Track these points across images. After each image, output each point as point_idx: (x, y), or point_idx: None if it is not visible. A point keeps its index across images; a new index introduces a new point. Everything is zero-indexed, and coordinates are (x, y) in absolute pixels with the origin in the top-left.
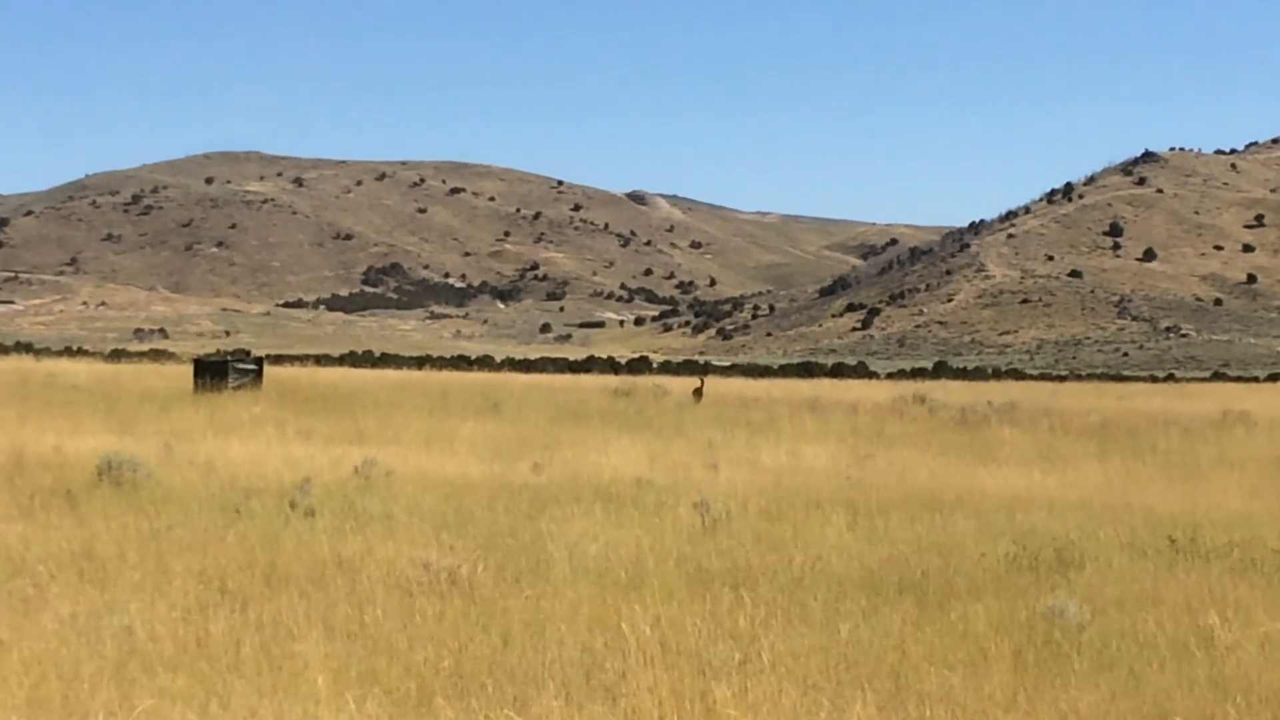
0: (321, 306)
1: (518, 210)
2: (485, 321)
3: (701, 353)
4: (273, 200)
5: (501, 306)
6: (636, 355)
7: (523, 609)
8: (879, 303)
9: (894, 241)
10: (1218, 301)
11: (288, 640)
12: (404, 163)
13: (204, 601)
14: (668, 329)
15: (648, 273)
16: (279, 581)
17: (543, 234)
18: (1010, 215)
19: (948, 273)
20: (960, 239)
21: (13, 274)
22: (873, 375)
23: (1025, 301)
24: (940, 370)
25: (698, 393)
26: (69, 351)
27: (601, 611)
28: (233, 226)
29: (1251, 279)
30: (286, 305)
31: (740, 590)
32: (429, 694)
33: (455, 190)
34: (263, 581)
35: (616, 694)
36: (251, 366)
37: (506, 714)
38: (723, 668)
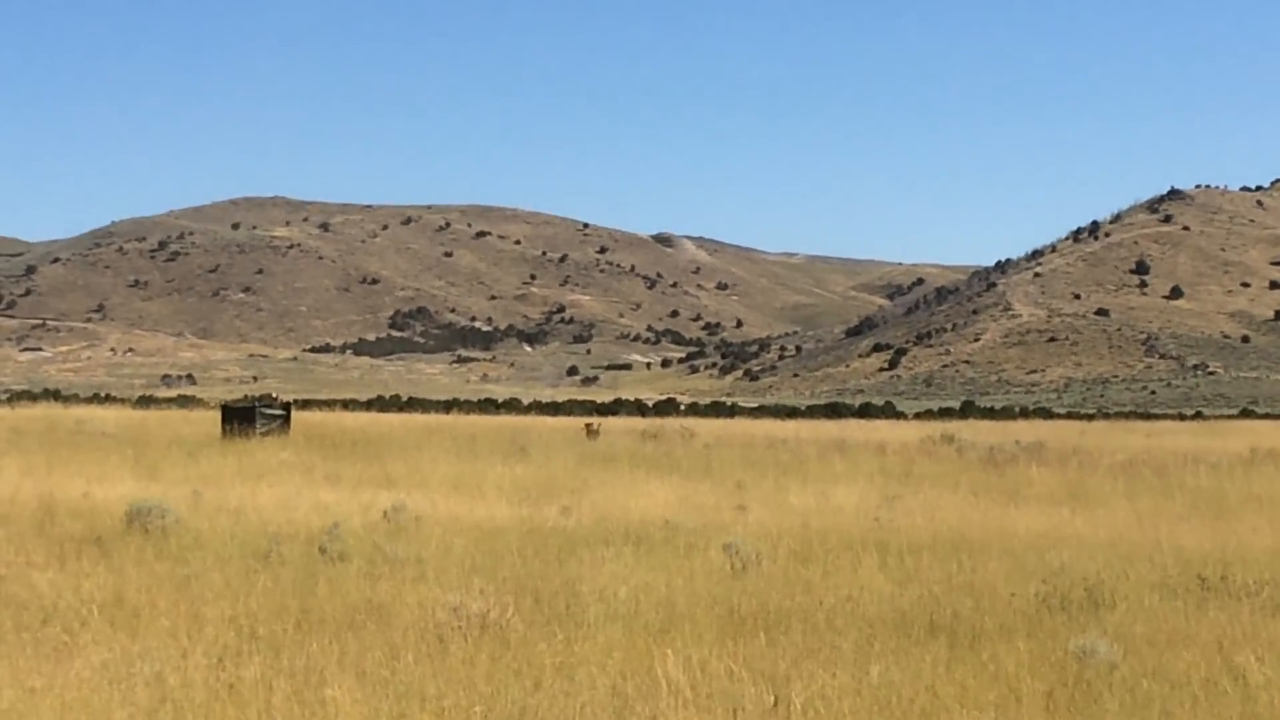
0: (348, 351)
1: (544, 253)
2: (512, 365)
3: (728, 394)
4: (299, 245)
5: (528, 349)
6: (664, 397)
7: (554, 653)
8: (906, 343)
9: (920, 281)
10: (1245, 339)
11: (319, 686)
12: (429, 206)
13: (236, 648)
14: (694, 371)
15: (674, 314)
16: (310, 627)
17: (569, 277)
18: (1036, 254)
19: (974, 312)
20: (986, 278)
21: (40, 321)
22: (900, 415)
23: (1052, 340)
24: (967, 410)
25: (592, 431)
26: (97, 398)
27: (633, 655)
28: (259, 272)
29: (1279, 315)
30: (313, 350)
31: (771, 632)
32: None
33: (481, 234)
34: (294, 627)
35: None
36: (279, 412)
37: None
38: (754, 711)
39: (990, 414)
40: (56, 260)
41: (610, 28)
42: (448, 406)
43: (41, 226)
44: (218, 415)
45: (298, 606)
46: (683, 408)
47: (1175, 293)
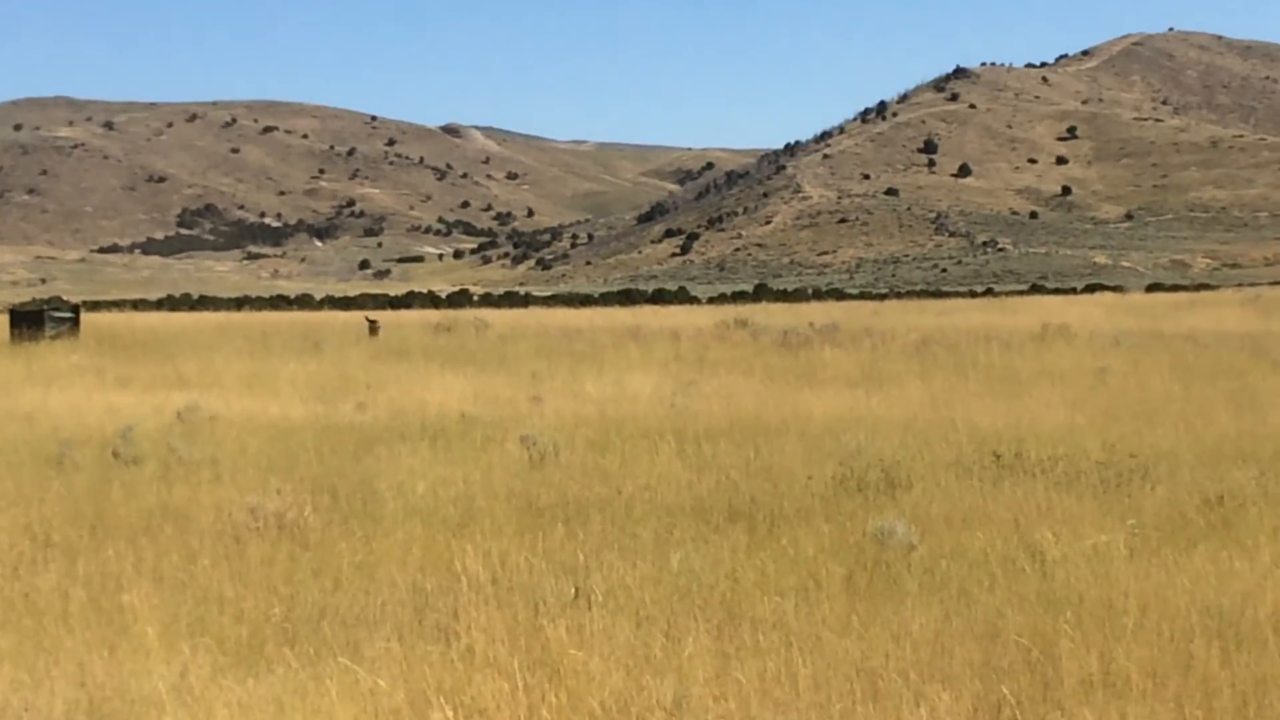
0: (137, 251)
1: (331, 147)
2: (303, 260)
3: (522, 283)
4: (83, 145)
5: (319, 244)
6: (457, 289)
7: (353, 551)
8: (697, 227)
9: (710, 166)
10: (1033, 214)
11: (116, 592)
12: (215, 103)
13: (30, 556)
14: (487, 261)
15: (465, 205)
16: (106, 533)
17: (358, 170)
18: (825, 136)
19: (765, 195)
20: (776, 161)
21: None
22: (694, 300)
23: (843, 221)
24: (761, 293)
25: (373, 328)
26: None
27: (432, 551)
28: (44, 173)
29: (1066, 191)
30: (101, 250)
31: (571, 524)
32: (260, 642)
33: (268, 129)
34: (89, 533)
35: (450, 634)
36: (68, 314)
37: (339, 660)
38: (555, 603)
39: (783, 296)
40: None
41: None
42: (239, 304)
43: None
44: (4, 320)
45: (92, 512)
46: (476, 299)
47: (963, 171)
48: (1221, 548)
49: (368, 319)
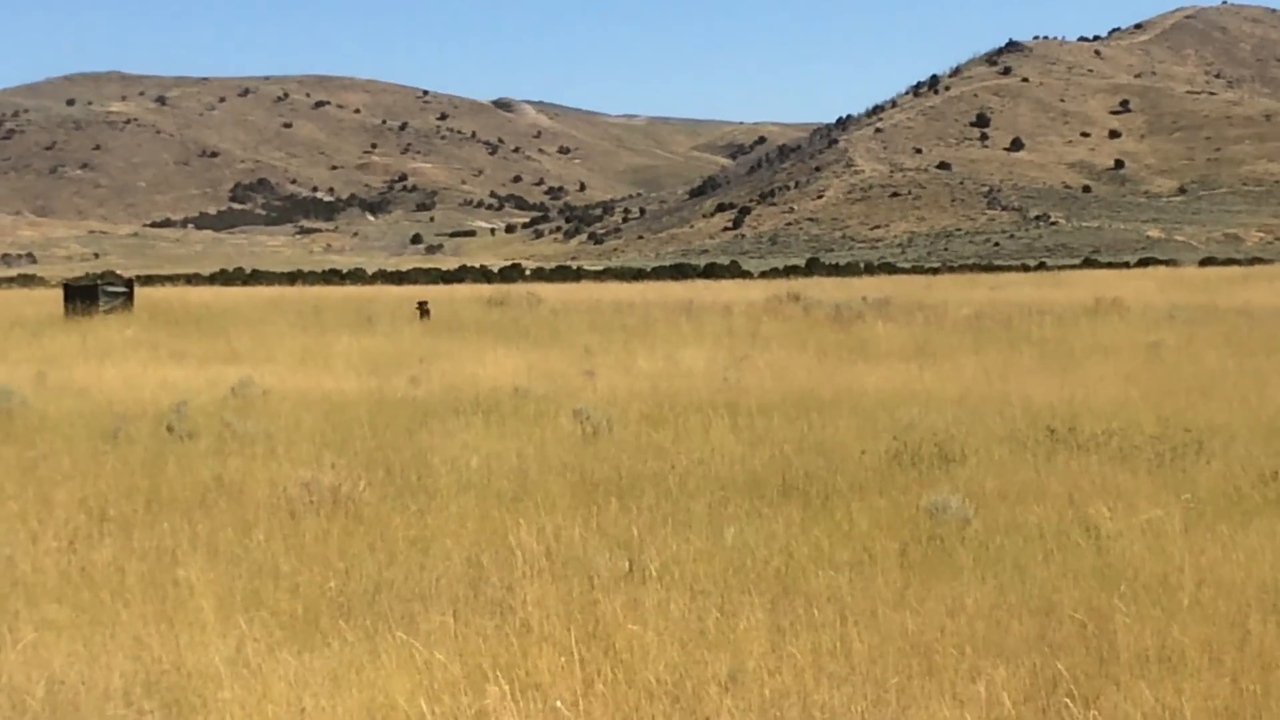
0: (190, 225)
1: (384, 122)
2: (355, 234)
3: (573, 258)
4: (136, 120)
5: (371, 219)
6: (509, 263)
7: (407, 525)
8: (749, 202)
9: (762, 140)
10: (1086, 188)
11: (172, 566)
12: (267, 78)
13: (86, 530)
14: (539, 235)
15: (517, 180)
16: (161, 507)
17: (410, 144)
18: (877, 109)
19: (817, 169)
20: (828, 135)
21: None
22: (745, 275)
23: (895, 195)
24: (813, 267)
25: (424, 311)
26: None
27: (487, 525)
28: (97, 148)
29: (1119, 165)
30: (154, 225)
31: (624, 498)
32: (315, 616)
33: (320, 104)
34: (145, 507)
35: (506, 608)
36: (122, 289)
37: (395, 634)
38: (609, 577)
39: (835, 271)
40: None
41: None
42: (292, 278)
43: None
44: (60, 294)
45: (148, 486)
46: (528, 273)
47: (1016, 145)
48: (1278, 522)
49: (419, 303)
